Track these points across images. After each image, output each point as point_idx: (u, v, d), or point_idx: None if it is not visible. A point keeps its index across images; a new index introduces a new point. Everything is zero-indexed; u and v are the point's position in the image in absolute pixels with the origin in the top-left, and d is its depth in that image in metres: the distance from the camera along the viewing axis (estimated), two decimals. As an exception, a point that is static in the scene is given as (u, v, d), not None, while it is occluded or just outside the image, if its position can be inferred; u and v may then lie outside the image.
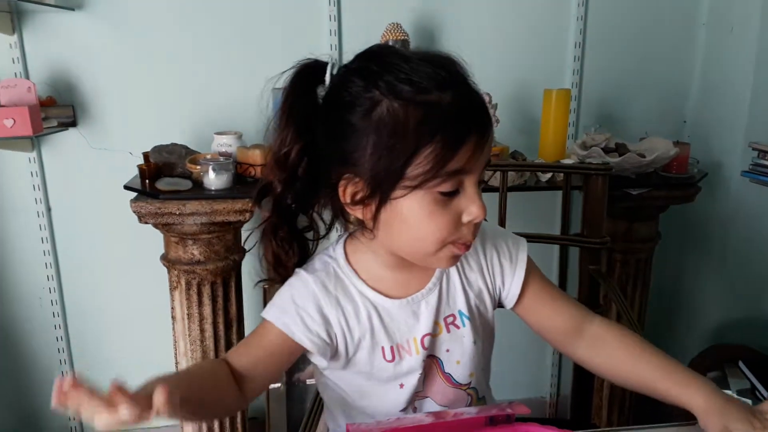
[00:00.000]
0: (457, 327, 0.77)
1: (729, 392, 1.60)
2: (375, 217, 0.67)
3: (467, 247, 0.69)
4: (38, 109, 1.52)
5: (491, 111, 1.57)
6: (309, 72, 0.69)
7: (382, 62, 0.65)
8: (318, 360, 0.75)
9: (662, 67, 1.92)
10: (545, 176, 1.53)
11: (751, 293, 1.83)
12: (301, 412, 1.71)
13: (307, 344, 0.72)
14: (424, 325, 0.75)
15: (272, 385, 1.76)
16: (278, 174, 0.70)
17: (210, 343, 1.50)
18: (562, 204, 1.26)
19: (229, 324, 1.52)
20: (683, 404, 0.71)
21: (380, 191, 0.65)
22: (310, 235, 0.77)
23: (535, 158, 1.68)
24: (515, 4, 1.79)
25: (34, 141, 1.65)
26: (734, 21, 1.78)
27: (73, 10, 1.60)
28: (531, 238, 1.27)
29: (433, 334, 0.76)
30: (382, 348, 0.74)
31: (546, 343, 2.23)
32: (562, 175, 1.27)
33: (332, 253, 0.77)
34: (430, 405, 0.78)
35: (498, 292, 0.81)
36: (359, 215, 0.69)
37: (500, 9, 1.79)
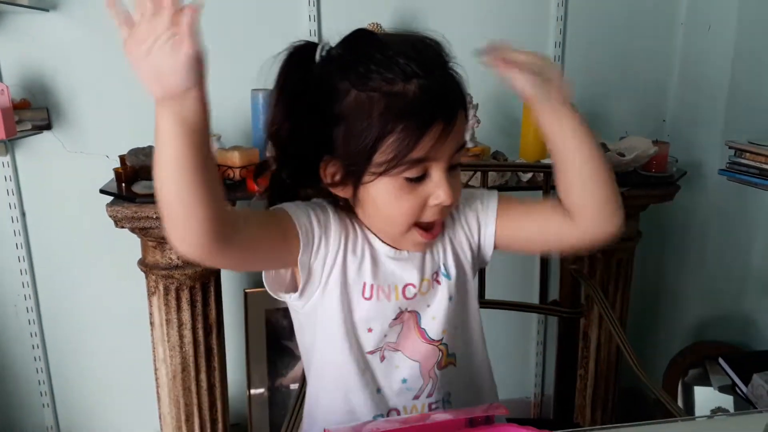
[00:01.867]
0: (438, 283, 0.79)
1: (709, 388, 1.61)
2: (353, 198, 0.72)
3: (432, 235, 0.73)
4: (11, 112, 1.49)
5: (471, 111, 1.56)
6: (301, 53, 0.72)
7: (357, 52, 0.69)
8: (295, 297, 0.76)
9: (641, 66, 1.94)
10: (526, 176, 1.53)
11: (730, 290, 1.84)
12: (284, 418, 1.70)
13: (301, 221, 0.71)
14: (410, 276, 0.77)
15: (254, 391, 1.74)
16: (272, 151, 0.74)
17: (189, 348, 1.47)
18: (543, 204, 1.26)
19: (208, 329, 1.50)
20: (550, 121, 0.72)
21: (353, 175, 0.69)
22: None
23: (516, 158, 1.68)
24: (495, 4, 1.80)
25: (7, 144, 1.61)
26: (712, 20, 1.80)
27: (47, 11, 1.57)
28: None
29: (418, 288, 0.78)
30: (363, 283, 0.76)
31: (530, 343, 2.23)
32: (542, 174, 1.27)
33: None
34: (400, 358, 0.79)
35: (478, 244, 0.82)
36: (341, 194, 0.73)
37: (480, 9, 1.79)
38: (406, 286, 0.77)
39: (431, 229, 0.73)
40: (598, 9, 1.86)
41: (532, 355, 2.11)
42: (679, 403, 1.72)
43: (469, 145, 1.59)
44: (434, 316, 0.79)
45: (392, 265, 0.77)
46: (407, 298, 0.77)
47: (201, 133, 0.57)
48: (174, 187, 0.58)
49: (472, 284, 0.84)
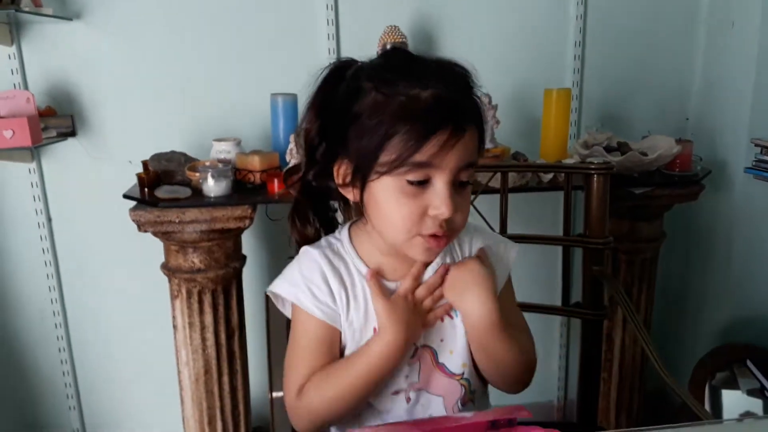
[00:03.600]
0: (451, 317, 0.79)
1: (737, 392, 1.58)
2: (361, 200, 0.73)
3: (438, 241, 0.71)
4: (37, 120, 1.52)
5: (490, 112, 1.55)
6: (342, 66, 0.75)
7: (388, 61, 0.73)
8: None
9: (663, 64, 1.91)
10: (547, 177, 1.52)
11: (757, 291, 1.80)
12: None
13: (317, 313, 0.75)
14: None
15: (276, 394, 1.75)
16: (302, 155, 0.77)
17: (212, 351, 1.49)
18: (564, 204, 1.25)
19: (230, 332, 1.51)
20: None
21: (360, 173, 0.70)
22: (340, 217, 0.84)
23: (536, 159, 1.66)
24: (514, 4, 1.79)
25: (33, 152, 1.65)
26: (735, 16, 1.77)
27: (71, 20, 1.60)
28: (533, 239, 1.26)
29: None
30: (374, 329, 0.76)
31: (553, 347, 2.21)
32: (563, 175, 1.25)
33: (338, 234, 0.82)
34: (425, 397, 0.79)
35: None
36: (351, 197, 0.75)
37: (499, 9, 1.78)
38: None
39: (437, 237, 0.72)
40: (618, 6, 1.84)
41: (555, 358, 2.09)
42: (706, 406, 1.69)
43: (489, 146, 1.58)
44: (452, 350, 0.79)
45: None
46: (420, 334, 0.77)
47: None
48: (350, 402, 0.74)
49: None
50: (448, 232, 0.71)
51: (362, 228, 0.79)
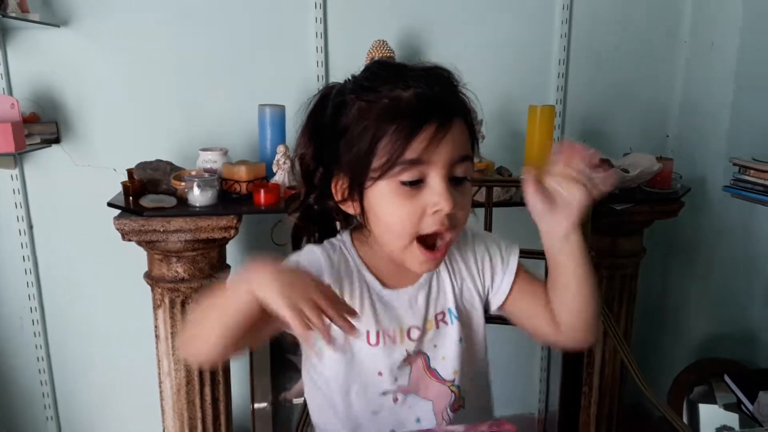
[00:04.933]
0: (446, 323, 0.80)
1: (714, 406, 1.60)
2: (362, 211, 0.73)
3: (434, 254, 0.71)
4: (21, 126, 1.51)
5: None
6: (329, 91, 0.75)
7: (368, 72, 0.73)
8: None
9: (645, 82, 1.95)
10: (531, 192, 1.54)
11: (736, 307, 1.84)
12: (288, 432, 1.69)
13: None
14: (413, 318, 0.78)
15: (258, 405, 1.74)
16: (300, 180, 0.79)
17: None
18: (548, 219, 1.27)
19: (213, 342, 1.50)
20: (553, 244, 0.73)
21: (356, 183, 0.71)
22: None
23: (520, 173, 1.69)
24: (500, 22, 1.82)
25: (16, 158, 1.63)
26: (714, 37, 1.82)
27: (58, 26, 1.59)
28: (517, 253, 1.27)
29: (422, 330, 0.79)
30: (368, 332, 0.77)
31: (534, 359, 2.22)
32: (547, 190, 1.27)
33: (340, 236, 0.83)
34: (413, 399, 0.79)
35: (486, 292, 0.84)
36: (351, 211, 0.75)
37: (485, 27, 1.81)
38: (410, 328, 0.78)
39: (434, 247, 0.72)
40: (601, 26, 1.88)
41: (536, 370, 2.10)
42: (684, 420, 1.71)
43: (474, 159, 1.60)
44: (444, 356, 0.79)
45: (393, 308, 0.78)
46: (412, 340, 0.78)
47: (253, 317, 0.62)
48: (213, 332, 0.64)
49: (480, 328, 0.84)
50: (451, 229, 0.71)
51: (364, 236, 0.79)
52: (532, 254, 1.31)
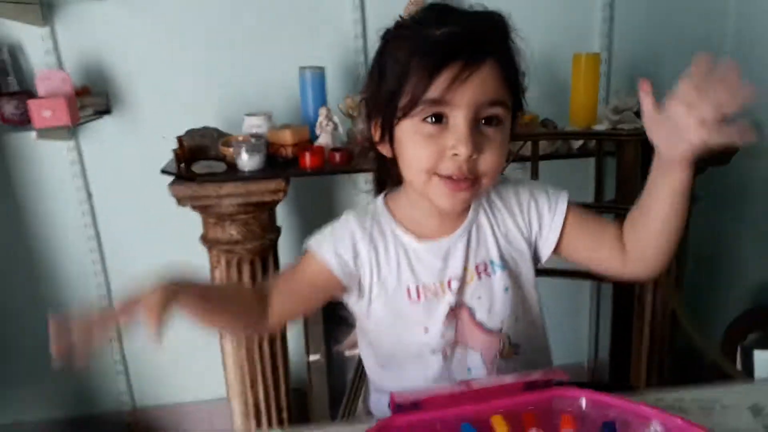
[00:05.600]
0: (489, 275, 0.79)
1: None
2: (392, 153, 0.74)
3: (455, 185, 0.69)
4: (74, 99, 1.56)
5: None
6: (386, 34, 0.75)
7: (419, 12, 0.72)
8: (350, 298, 0.81)
9: (695, 22, 1.86)
10: (577, 143, 1.52)
11: (791, 253, 1.79)
12: (342, 384, 1.76)
13: (334, 266, 0.77)
14: (452, 269, 0.78)
15: (312, 357, 1.81)
16: (366, 126, 0.79)
17: (251, 319, 1.54)
18: (596, 171, 1.25)
19: (268, 301, 1.56)
20: (661, 171, 0.67)
21: (386, 122, 0.71)
22: None
23: (565, 125, 1.66)
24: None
25: (71, 130, 1.69)
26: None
27: (101, -1, 1.63)
28: (564, 206, 1.27)
29: (463, 281, 0.78)
30: (408, 288, 0.78)
31: (583, 309, 2.22)
32: (594, 141, 1.26)
33: (375, 200, 0.84)
34: (462, 350, 0.80)
35: (535, 239, 0.82)
36: (386, 152, 0.75)
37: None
38: (449, 280, 0.78)
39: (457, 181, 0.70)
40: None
41: (584, 320, 2.11)
42: (738, 367, 1.70)
43: (518, 113, 1.58)
44: (490, 308, 0.79)
45: (431, 260, 0.78)
46: (453, 292, 0.77)
47: (194, 305, 0.70)
48: (203, 325, 0.72)
49: (530, 275, 0.83)
50: (471, 176, 0.69)
51: (396, 194, 0.81)
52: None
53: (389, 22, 0.77)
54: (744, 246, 1.92)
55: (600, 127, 1.56)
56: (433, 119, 0.67)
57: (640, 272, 0.77)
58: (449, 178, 0.69)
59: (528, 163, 1.28)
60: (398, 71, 0.68)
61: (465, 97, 0.66)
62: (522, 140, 1.32)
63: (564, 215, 0.80)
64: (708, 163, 1.65)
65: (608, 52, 1.84)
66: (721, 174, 1.85)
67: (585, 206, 1.29)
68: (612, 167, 1.30)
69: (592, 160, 1.27)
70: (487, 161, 0.69)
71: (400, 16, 0.73)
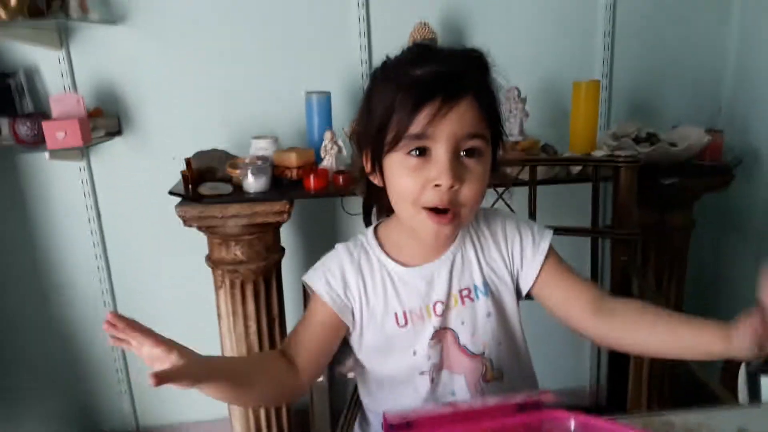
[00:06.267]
0: (472, 300, 0.82)
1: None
2: (383, 181, 0.78)
3: (440, 218, 0.73)
4: (87, 121, 1.61)
5: (519, 105, 1.58)
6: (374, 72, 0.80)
7: (402, 53, 0.77)
8: (351, 336, 0.85)
9: (696, 51, 1.90)
10: (575, 168, 1.54)
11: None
12: (344, 405, 1.77)
13: (326, 299, 0.81)
14: (437, 293, 0.81)
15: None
16: (356, 157, 0.83)
17: (254, 338, 1.56)
18: (592, 196, 1.28)
19: (271, 321, 1.58)
20: (704, 345, 0.72)
21: (376, 155, 0.76)
22: None
23: (565, 150, 1.69)
24: (542, -3, 1.80)
25: (83, 151, 1.74)
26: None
27: (115, 23, 1.68)
28: (561, 230, 1.28)
29: (447, 305, 0.81)
30: (395, 314, 0.81)
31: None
32: (591, 168, 1.28)
33: (365, 231, 0.88)
34: (446, 375, 0.83)
35: (517, 271, 0.85)
36: (377, 182, 0.79)
37: (527, 1, 1.80)
38: (435, 303, 0.81)
39: (441, 213, 0.74)
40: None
41: (588, 344, 2.11)
42: (742, 393, 1.70)
43: (518, 138, 1.61)
44: (473, 332, 0.82)
45: (416, 285, 0.81)
46: (439, 315, 0.81)
47: (222, 388, 0.74)
48: (238, 404, 0.72)
49: (512, 305, 0.85)
50: (454, 207, 0.73)
51: (387, 222, 0.85)
52: (574, 231, 1.33)
53: (394, 48, 0.81)
54: (742, 271, 1.93)
55: (599, 152, 1.58)
56: (417, 152, 0.72)
57: (604, 344, 0.81)
58: (433, 210, 0.73)
59: (526, 188, 1.30)
60: (384, 108, 0.73)
61: (445, 131, 0.71)
62: (521, 165, 1.34)
63: (545, 254, 0.83)
64: (704, 190, 1.67)
65: (608, 79, 1.88)
66: (720, 199, 1.87)
67: (582, 230, 1.31)
68: (609, 192, 1.33)
69: (589, 185, 1.29)
70: (467, 192, 0.73)
71: (387, 57, 0.78)
